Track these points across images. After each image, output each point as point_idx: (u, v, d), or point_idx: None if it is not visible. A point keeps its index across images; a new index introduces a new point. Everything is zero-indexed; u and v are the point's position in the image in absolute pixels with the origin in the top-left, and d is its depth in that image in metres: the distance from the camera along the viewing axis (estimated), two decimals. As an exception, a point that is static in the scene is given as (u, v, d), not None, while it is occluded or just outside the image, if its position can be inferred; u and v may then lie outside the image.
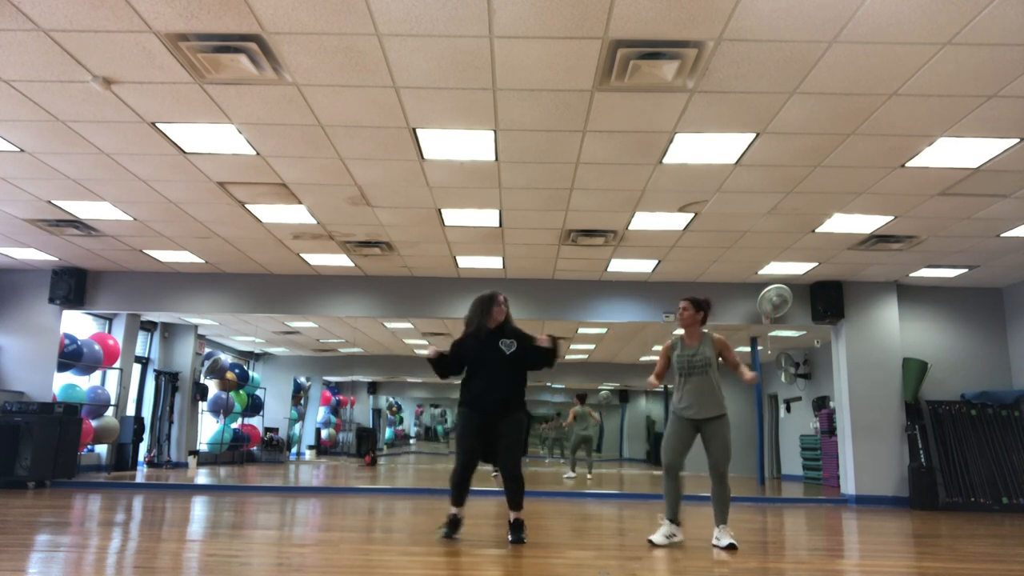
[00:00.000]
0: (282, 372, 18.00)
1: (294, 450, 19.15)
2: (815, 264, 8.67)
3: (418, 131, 5.23)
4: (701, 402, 4.71)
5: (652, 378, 4.91)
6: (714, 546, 4.67)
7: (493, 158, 5.69)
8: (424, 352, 4.71)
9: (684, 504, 4.86)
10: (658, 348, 15.04)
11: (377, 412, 26.45)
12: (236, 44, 4.09)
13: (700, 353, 4.78)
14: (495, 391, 4.63)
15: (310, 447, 19.12)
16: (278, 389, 17.76)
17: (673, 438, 4.74)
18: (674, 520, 4.73)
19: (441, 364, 4.82)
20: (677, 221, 7.16)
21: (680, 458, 4.72)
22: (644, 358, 17.28)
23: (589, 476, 12.20)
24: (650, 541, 4.66)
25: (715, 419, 4.70)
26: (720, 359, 4.87)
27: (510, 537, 4.61)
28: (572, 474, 12.18)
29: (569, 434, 12.99)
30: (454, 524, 4.67)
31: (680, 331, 4.98)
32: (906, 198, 6.36)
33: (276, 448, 16.54)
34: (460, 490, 4.66)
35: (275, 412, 17.40)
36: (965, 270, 8.71)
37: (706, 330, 4.94)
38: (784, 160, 5.60)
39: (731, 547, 4.55)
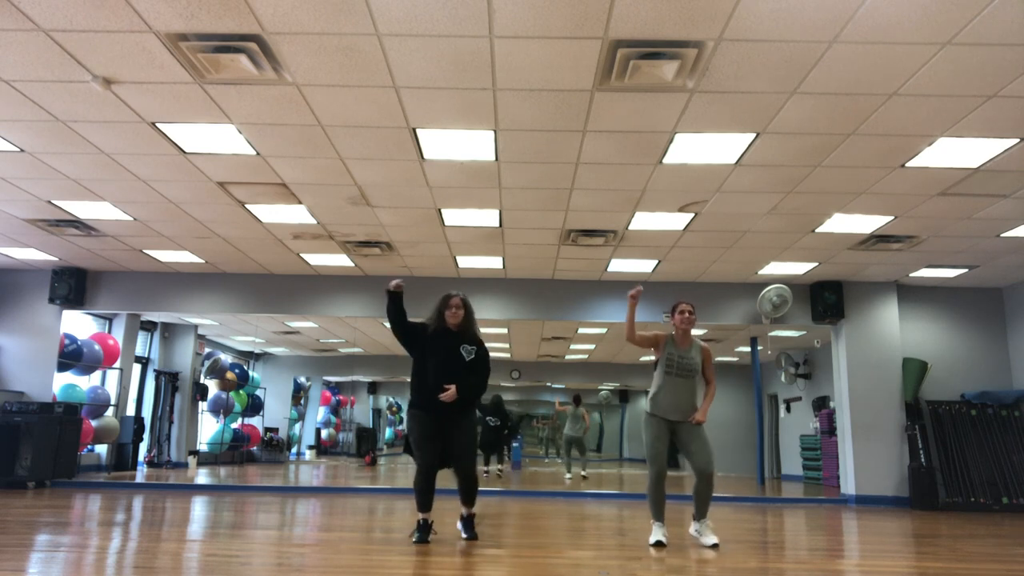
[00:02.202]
0: (282, 372, 18.00)
1: (294, 450, 19.15)
2: (815, 264, 8.67)
3: (418, 131, 5.23)
4: (681, 406, 4.72)
5: (635, 333, 4.72)
6: (691, 535, 4.76)
7: (493, 158, 5.69)
8: (445, 397, 4.69)
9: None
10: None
11: (377, 412, 26.44)
12: (236, 44, 4.09)
13: (691, 358, 4.77)
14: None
15: (310, 447, 19.12)
16: (278, 389, 17.76)
17: (658, 443, 4.73)
18: (662, 520, 4.75)
19: (397, 306, 4.66)
20: (677, 221, 7.16)
21: (666, 461, 4.78)
22: (644, 358, 17.28)
23: (584, 475, 12.27)
24: (660, 543, 4.64)
25: (692, 422, 4.73)
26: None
27: (464, 534, 4.63)
28: (569, 474, 12.21)
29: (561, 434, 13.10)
30: (425, 530, 4.57)
31: (672, 330, 4.95)
32: (906, 198, 6.36)
33: (276, 448, 16.54)
34: (425, 496, 4.58)
35: (275, 412, 17.39)
36: (965, 270, 8.70)
37: (696, 337, 4.94)
38: (784, 160, 5.60)
39: (715, 546, 4.62)
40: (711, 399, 4.81)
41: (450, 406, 4.53)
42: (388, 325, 13.63)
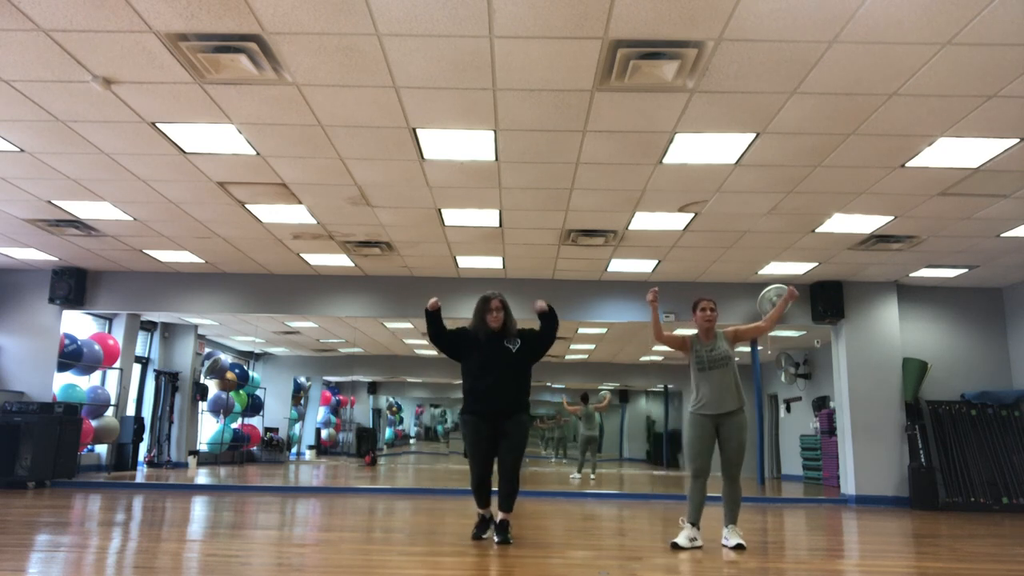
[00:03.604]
0: (282, 372, 18.00)
1: (294, 450, 19.15)
2: (815, 264, 8.67)
3: (418, 131, 5.23)
4: (722, 396, 4.69)
5: (656, 323, 4.80)
6: (722, 545, 4.68)
7: (493, 158, 5.69)
8: (429, 302, 4.83)
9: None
10: (658, 348, 15.02)
11: (377, 412, 26.44)
12: (236, 44, 4.09)
13: (718, 348, 4.78)
14: (503, 392, 4.63)
15: (310, 447, 19.12)
16: (278, 389, 17.76)
17: (699, 442, 4.69)
18: (696, 524, 4.69)
19: (436, 322, 4.77)
20: (677, 221, 7.16)
21: (709, 461, 4.69)
22: (644, 358, 17.27)
23: (593, 476, 12.18)
24: (675, 544, 4.61)
25: (734, 414, 4.67)
26: (736, 348, 4.88)
27: (496, 538, 4.61)
28: (578, 475, 12.16)
29: (570, 433, 13.08)
30: (484, 525, 4.79)
31: (693, 331, 4.96)
32: (906, 198, 6.36)
33: (276, 448, 16.54)
34: (481, 494, 4.75)
35: (275, 412, 17.39)
36: (965, 270, 8.70)
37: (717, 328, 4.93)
38: (784, 160, 5.60)
39: (739, 547, 4.56)
40: (773, 316, 4.85)
41: (503, 406, 4.62)
42: (390, 327, 13.46)
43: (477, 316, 4.75)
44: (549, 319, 4.76)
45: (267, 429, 16.85)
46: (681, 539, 4.64)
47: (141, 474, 10.70)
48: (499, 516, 4.64)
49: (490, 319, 4.70)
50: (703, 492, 4.70)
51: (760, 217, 6.97)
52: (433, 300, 4.75)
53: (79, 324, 10.74)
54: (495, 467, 4.71)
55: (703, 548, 4.63)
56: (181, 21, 3.87)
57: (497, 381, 4.63)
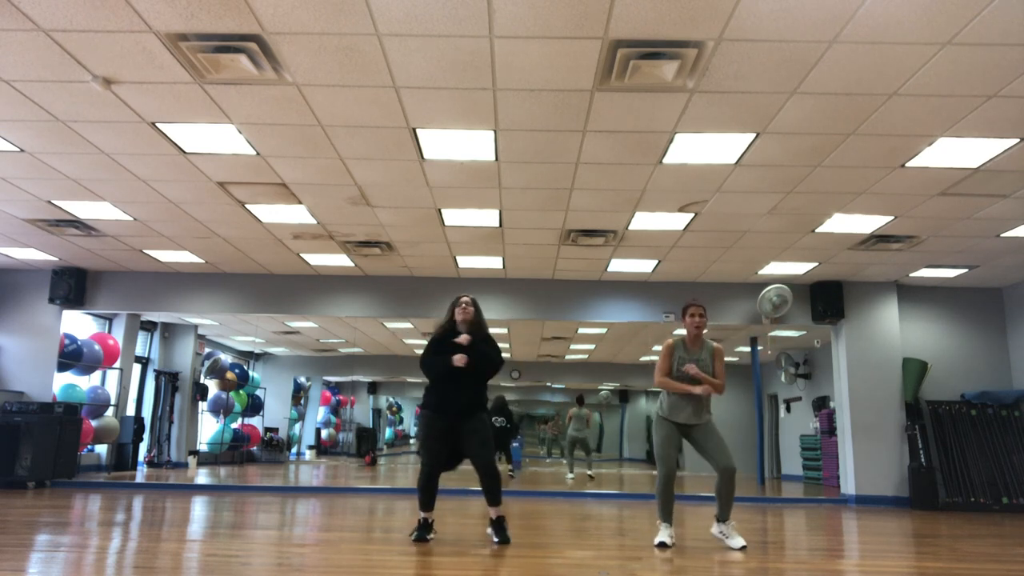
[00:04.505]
0: (282, 372, 18.00)
1: (294, 450, 19.15)
2: (815, 264, 8.67)
3: (418, 131, 5.23)
4: (697, 408, 4.71)
5: (665, 378, 4.77)
6: (722, 541, 4.70)
7: (493, 158, 5.69)
8: (457, 360, 4.75)
9: (682, 504, 4.87)
10: (658, 348, 15.02)
11: (377, 412, 26.44)
12: (236, 44, 4.09)
13: (703, 360, 4.75)
14: (463, 394, 4.62)
15: (310, 447, 19.12)
16: (278, 389, 17.76)
17: (668, 445, 4.73)
18: (670, 522, 4.75)
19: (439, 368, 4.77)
20: (677, 221, 7.16)
21: (676, 462, 4.75)
22: (644, 358, 17.28)
23: (591, 475, 12.18)
24: (663, 544, 4.63)
25: (705, 423, 4.73)
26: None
27: (496, 538, 4.60)
28: (572, 475, 12.17)
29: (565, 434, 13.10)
30: (425, 528, 4.66)
31: (682, 332, 4.96)
32: (906, 198, 6.36)
33: (276, 448, 16.54)
34: (428, 495, 4.65)
35: (275, 412, 17.39)
36: (965, 270, 8.71)
37: (707, 338, 4.92)
38: (784, 160, 5.60)
39: (742, 548, 4.59)
40: (715, 383, 4.68)
41: (463, 407, 4.60)
42: (390, 327, 13.43)
43: (448, 312, 4.82)
44: (481, 352, 4.67)
45: (267, 429, 16.85)
46: (665, 537, 4.65)
47: (141, 474, 10.70)
48: (492, 513, 4.65)
49: (459, 311, 4.74)
50: (672, 492, 4.74)
51: (760, 217, 6.97)
52: (461, 357, 4.57)
53: (79, 324, 10.74)
54: (469, 472, 4.70)
55: (703, 548, 4.64)
56: (181, 21, 3.87)
57: (458, 385, 4.62)
